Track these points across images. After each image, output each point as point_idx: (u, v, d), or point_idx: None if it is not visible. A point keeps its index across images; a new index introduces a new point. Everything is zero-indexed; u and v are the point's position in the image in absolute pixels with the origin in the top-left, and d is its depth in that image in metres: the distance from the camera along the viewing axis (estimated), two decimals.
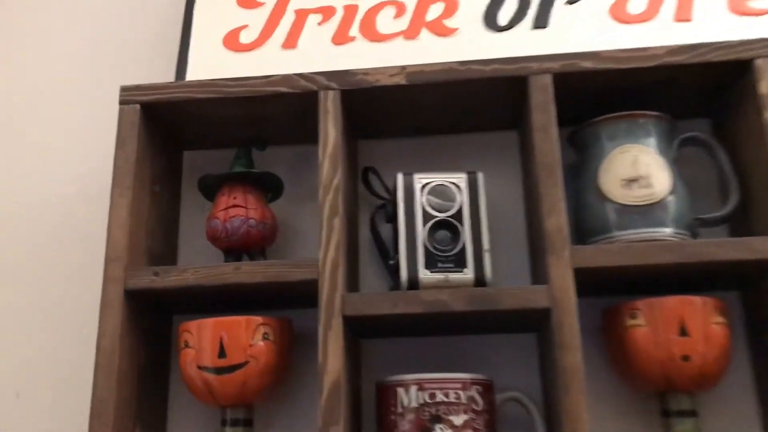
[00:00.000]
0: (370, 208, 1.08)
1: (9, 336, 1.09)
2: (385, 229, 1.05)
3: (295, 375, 1.01)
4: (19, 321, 1.09)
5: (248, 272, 0.89)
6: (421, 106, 1.00)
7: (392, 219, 0.97)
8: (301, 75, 0.96)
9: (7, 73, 1.24)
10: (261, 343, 0.89)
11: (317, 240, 1.07)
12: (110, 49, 1.23)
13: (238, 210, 0.97)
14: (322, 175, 0.91)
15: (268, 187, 1.02)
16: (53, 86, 1.22)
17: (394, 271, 0.92)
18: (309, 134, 1.07)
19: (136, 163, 0.95)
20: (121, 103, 0.97)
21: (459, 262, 0.89)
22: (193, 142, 1.10)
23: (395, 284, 0.92)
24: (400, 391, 0.85)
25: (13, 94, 1.22)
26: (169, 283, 0.89)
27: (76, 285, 1.10)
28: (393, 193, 0.96)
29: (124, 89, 0.98)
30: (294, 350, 1.02)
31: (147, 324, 0.96)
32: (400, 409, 0.85)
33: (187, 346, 0.90)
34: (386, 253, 1.03)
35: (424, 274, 0.88)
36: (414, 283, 0.88)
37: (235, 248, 0.98)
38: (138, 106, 0.97)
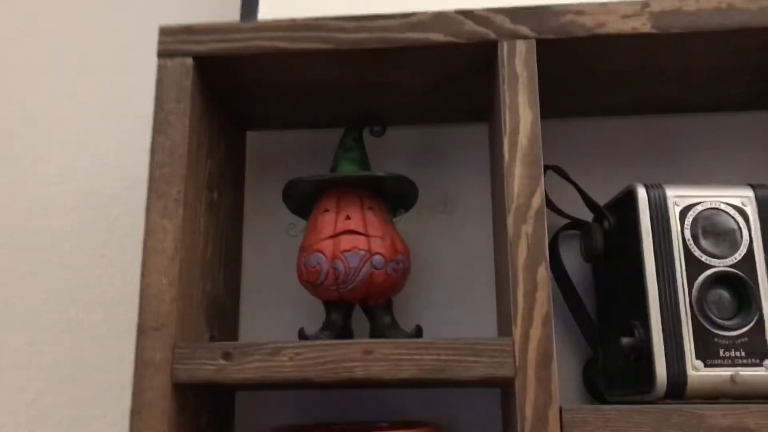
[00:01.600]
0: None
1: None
2: (583, 275, 0.68)
3: None
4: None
5: (390, 360, 0.51)
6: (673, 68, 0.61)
7: (605, 260, 0.59)
8: (466, 13, 0.57)
9: None
10: None
11: (460, 289, 0.69)
12: None
13: (355, 239, 0.58)
14: (507, 188, 0.52)
15: (395, 198, 0.64)
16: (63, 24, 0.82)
17: (633, 357, 0.54)
18: (445, 108, 0.68)
19: (188, 155, 0.56)
20: (162, 54, 0.58)
21: (753, 348, 0.51)
22: (265, 118, 0.71)
23: (629, 382, 0.55)
24: None
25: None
26: (248, 373, 0.52)
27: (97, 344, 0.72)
28: (617, 214, 0.58)
29: (166, 32, 0.59)
30: None
31: (204, 428, 0.59)
32: None
33: None
34: (587, 318, 0.65)
35: (696, 371, 0.51)
36: (679, 387, 0.51)
37: (347, 299, 0.60)
38: (190, 60, 0.58)
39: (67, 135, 0.77)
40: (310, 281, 0.59)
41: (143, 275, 0.54)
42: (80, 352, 0.71)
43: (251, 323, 0.70)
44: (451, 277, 0.69)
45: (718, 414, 0.48)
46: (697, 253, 0.53)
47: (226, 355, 0.52)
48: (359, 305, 0.62)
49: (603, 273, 0.62)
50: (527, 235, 0.52)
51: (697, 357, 0.51)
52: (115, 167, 0.76)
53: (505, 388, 0.64)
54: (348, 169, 0.62)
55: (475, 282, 0.69)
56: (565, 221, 0.67)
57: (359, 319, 0.63)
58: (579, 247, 0.65)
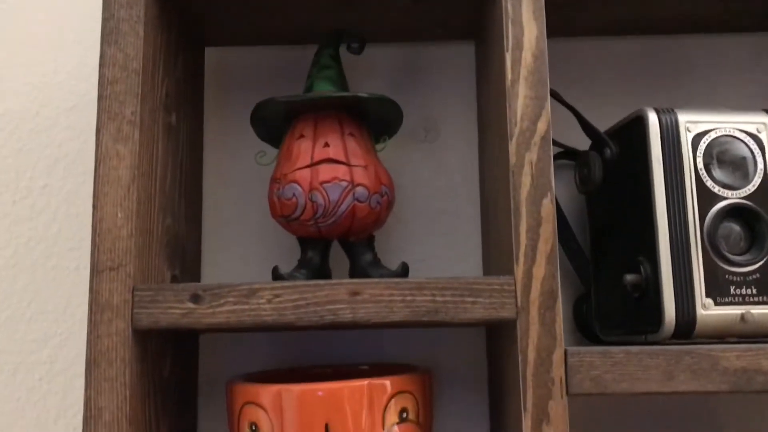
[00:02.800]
0: None
1: None
2: (575, 207, 0.63)
3: None
4: None
5: (380, 302, 0.46)
6: None
7: (603, 191, 0.55)
8: None
9: None
10: (395, 429, 0.48)
11: (439, 223, 0.64)
12: None
13: (335, 169, 0.52)
14: (510, 110, 0.47)
15: (377, 123, 0.58)
16: None
17: (637, 296, 0.50)
18: (430, 23, 0.62)
19: (143, 71, 0.49)
20: None
21: (765, 285, 0.48)
22: (226, 32, 0.63)
23: (628, 321, 0.51)
24: None
25: None
26: (220, 317, 0.46)
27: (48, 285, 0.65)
28: (621, 141, 0.53)
29: None
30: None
31: (167, 376, 0.54)
32: None
33: (255, 431, 0.48)
34: (580, 253, 0.61)
35: (705, 309, 0.47)
36: (687, 326, 0.47)
37: (326, 236, 0.54)
38: None
39: None
40: (285, 215, 0.53)
41: (95, 208, 0.47)
42: (21, 294, 0.64)
43: (215, 263, 0.64)
44: (433, 211, 0.64)
45: (732, 356, 0.45)
46: (709, 183, 0.49)
47: (195, 298, 0.46)
48: (338, 242, 0.56)
49: (599, 205, 0.58)
50: (531, 163, 0.47)
51: (707, 295, 0.47)
52: (56, 85, 0.67)
53: (491, 330, 0.60)
54: (326, 89, 0.55)
55: (459, 217, 0.64)
56: (556, 150, 0.62)
57: (337, 258, 0.58)
58: (573, 177, 0.60)
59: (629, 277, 0.50)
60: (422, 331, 0.63)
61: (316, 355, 0.62)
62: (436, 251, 0.64)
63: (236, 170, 0.65)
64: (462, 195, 0.64)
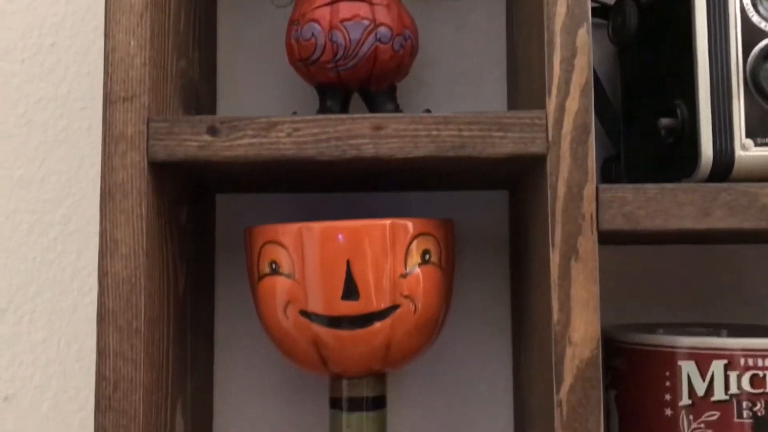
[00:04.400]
0: None
1: None
2: (606, 69, 0.61)
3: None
4: None
5: (404, 136, 0.44)
6: None
7: (637, 42, 0.52)
8: None
9: None
10: (418, 270, 0.47)
11: (468, 65, 0.61)
12: None
13: (357, 6, 0.50)
14: None
15: None
16: None
17: (671, 140, 0.48)
18: None
19: None
20: None
21: None
22: None
23: (663, 170, 0.49)
24: None
25: None
26: (238, 150, 0.44)
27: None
28: None
29: None
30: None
31: (186, 217, 0.53)
32: None
33: (276, 271, 0.47)
34: (609, 110, 0.58)
35: (745, 150, 0.45)
36: (725, 168, 0.45)
37: (346, 82, 0.52)
38: None
39: None
40: (303, 58, 0.51)
41: (107, 36, 0.45)
42: (33, 154, 0.63)
43: (230, 113, 0.62)
44: (456, 73, 0.62)
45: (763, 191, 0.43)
46: (755, 19, 0.46)
47: (212, 130, 0.44)
48: (358, 93, 0.54)
49: (633, 58, 0.55)
50: None
51: (747, 135, 0.45)
52: None
53: (513, 189, 0.59)
54: None
55: (483, 80, 0.62)
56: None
57: (358, 111, 0.56)
58: (606, 33, 0.57)
59: (664, 121, 0.48)
60: (445, 196, 0.61)
61: (333, 216, 0.61)
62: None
63: (252, 17, 0.62)
64: (487, 58, 0.62)
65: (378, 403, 0.50)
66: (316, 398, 0.60)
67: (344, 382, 0.50)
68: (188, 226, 0.53)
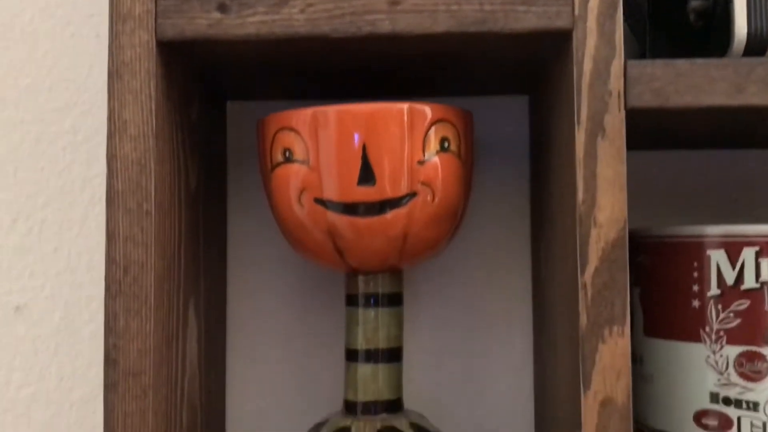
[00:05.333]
0: None
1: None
2: None
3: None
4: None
5: (422, 11, 0.42)
6: None
7: None
8: None
9: None
10: (436, 158, 0.45)
11: None
12: None
13: None
14: None
15: None
16: None
17: (704, 22, 0.46)
18: None
19: None
20: None
21: None
22: None
23: (695, 48, 0.47)
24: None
25: None
26: (249, 28, 0.42)
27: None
28: None
29: None
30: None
31: (196, 113, 0.51)
32: None
33: (289, 158, 0.45)
34: (636, 8, 0.56)
35: None
36: (760, 42, 0.43)
37: None
38: None
39: None
40: None
41: None
42: (41, 61, 0.61)
43: None
44: None
45: None
46: None
47: (223, 7, 0.43)
48: None
49: None
50: None
51: None
52: None
53: (534, 96, 0.57)
54: None
55: None
56: None
57: None
58: None
59: (694, 3, 0.46)
60: (463, 103, 0.59)
61: None
62: None
63: None
64: None
65: (394, 299, 0.49)
66: (332, 298, 0.59)
67: (360, 278, 0.49)
68: (199, 123, 0.52)
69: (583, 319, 0.41)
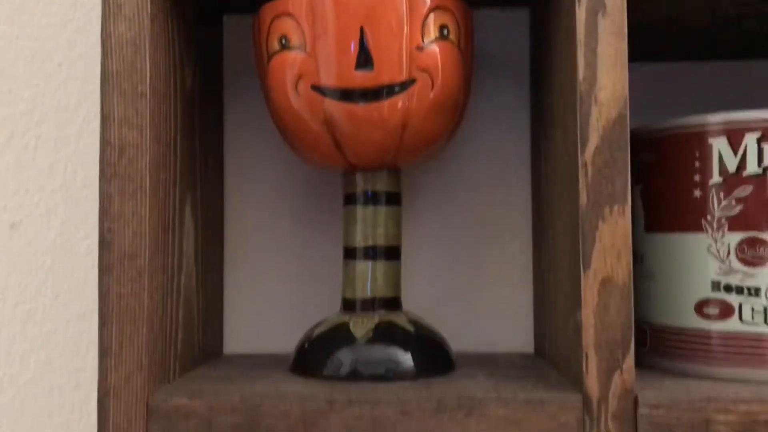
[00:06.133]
0: None
1: None
2: None
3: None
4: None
5: None
6: None
7: None
8: None
9: None
10: (435, 45, 0.44)
11: None
12: None
13: None
14: None
15: None
16: None
17: None
18: None
19: None
20: None
21: None
22: None
23: None
24: None
25: None
26: None
27: None
28: None
29: None
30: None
31: (191, 20, 0.51)
32: None
33: (286, 46, 0.45)
34: None
35: None
36: None
37: None
38: None
39: None
40: None
41: None
42: None
43: None
44: None
45: None
46: None
47: None
48: None
49: None
50: None
51: None
52: None
53: (534, 7, 0.56)
54: None
55: None
56: None
57: None
58: None
59: None
60: None
61: None
62: None
63: None
64: None
65: (393, 198, 0.49)
66: (329, 202, 0.58)
67: (359, 176, 0.48)
68: (195, 27, 0.51)
69: (583, 198, 0.40)
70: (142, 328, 0.41)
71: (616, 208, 0.40)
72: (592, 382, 0.40)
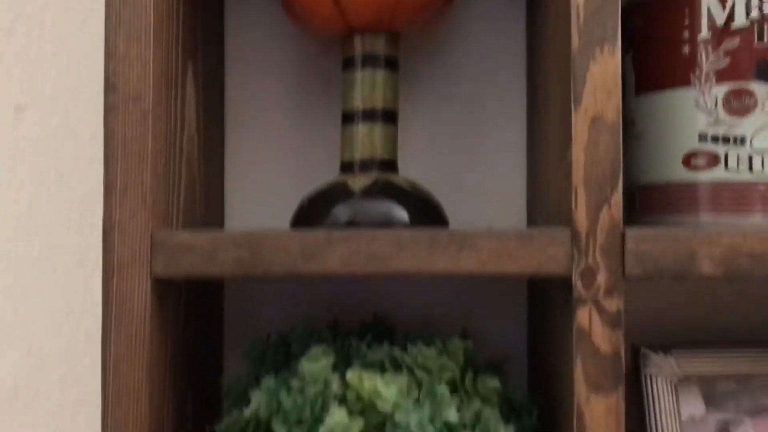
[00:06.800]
0: None
1: None
2: None
3: None
4: None
5: None
6: None
7: None
8: None
9: None
10: None
11: None
12: None
13: None
14: None
15: None
16: None
17: None
18: None
19: None
20: None
21: None
22: None
23: None
24: None
25: None
26: None
27: None
28: None
29: None
30: None
31: None
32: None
33: None
34: None
35: None
36: None
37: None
38: None
39: None
40: None
41: None
42: None
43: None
44: None
45: None
46: None
47: None
48: None
49: None
50: None
51: None
52: None
53: None
54: None
55: None
56: None
57: None
58: None
59: None
60: None
61: None
62: None
63: None
64: None
65: (391, 63, 0.50)
66: (328, 72, 0.59)
67: (357, 39, 0.49)
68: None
69: (575, 41, 0.41)
70: (146, 170, 0.43)
71: (606, 48, 0.41)
72: (580, 216, 0.41)
